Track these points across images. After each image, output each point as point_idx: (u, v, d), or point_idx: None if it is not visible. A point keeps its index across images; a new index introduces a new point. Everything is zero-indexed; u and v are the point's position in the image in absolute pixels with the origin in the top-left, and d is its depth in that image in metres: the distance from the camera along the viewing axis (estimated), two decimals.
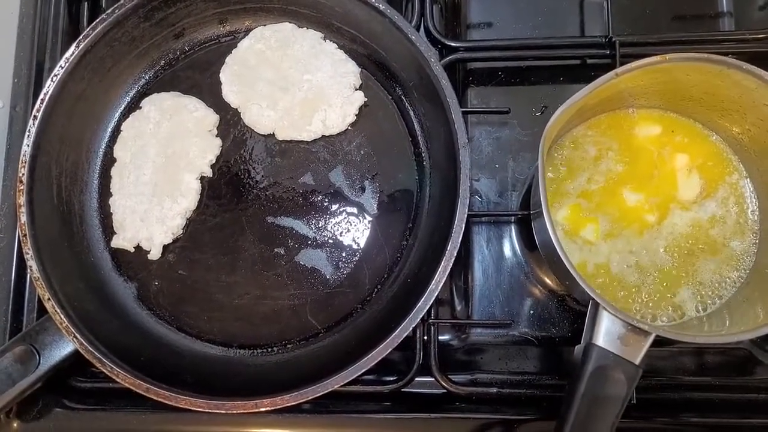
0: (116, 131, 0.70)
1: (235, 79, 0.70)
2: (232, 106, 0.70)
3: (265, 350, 0.65)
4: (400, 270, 0.66)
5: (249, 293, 0.66)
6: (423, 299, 0.57)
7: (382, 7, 0.64)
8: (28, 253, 0.60)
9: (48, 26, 0.73)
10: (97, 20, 0.65)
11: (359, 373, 0.56)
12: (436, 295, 0.58)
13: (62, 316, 0.59)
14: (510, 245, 0.70)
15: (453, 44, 0.70)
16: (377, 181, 0.69)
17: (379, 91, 0.71)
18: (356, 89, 0.69)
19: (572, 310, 0.68)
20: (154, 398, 0.57)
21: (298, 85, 0.69)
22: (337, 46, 0.70)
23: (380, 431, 0.64)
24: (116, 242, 0.67)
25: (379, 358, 0.57)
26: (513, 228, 0.71)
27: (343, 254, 0.67)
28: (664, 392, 0.65)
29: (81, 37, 0.64)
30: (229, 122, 0.70)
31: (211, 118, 0.69)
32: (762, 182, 0.62)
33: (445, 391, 0.63)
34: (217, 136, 0.70)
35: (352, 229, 0.68)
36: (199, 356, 0.65)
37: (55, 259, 0.62)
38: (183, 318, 0.66)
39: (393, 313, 0.61)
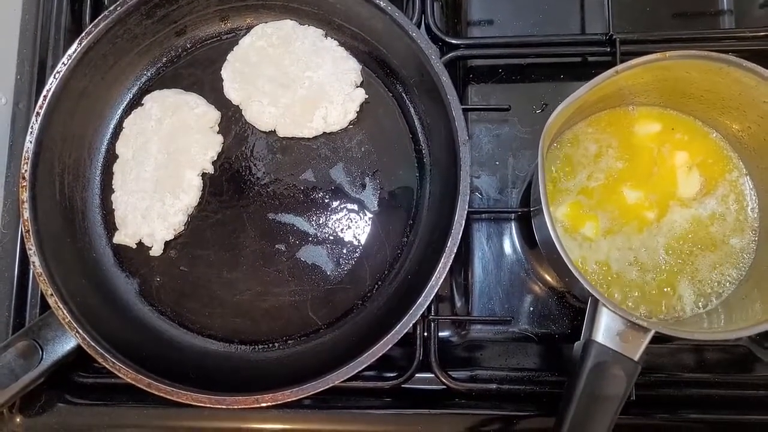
0: (118, 128, 0.70)
1: (236, 76, 0.70)
2: (233, 103, 0.70)
3: (266, 346, 0.66)
4: (400, 266, 0.67)
5: (250, 289, 0.67)
6: (423, 296, 0.58)
7: (383, 4, 0.64)
8: (30, 249, 0.60)
9: (50, 23, 0.73)
10: (100, 17, 0.65)
11: (360, 369, 0.57)
12: (436, 291, 0.58)
13: (65, 312, 0.59)
14: (510, 242, 0.71)
15: (453, 41, 0.70)
16: (378, 178, 0.69)
17: (379, 88, 0.71)
18: (357, 86, 0.69)
19: (572, 306, 0.68)
20: (156, 393, 0.57)
21: (300, 82, 0.69)
22: (338, 43, 0.70)
23: (380, 427, 0.64)
24: (118, 238, 0.68)
25: (380, 354, 0.57)
26: (513, 225, 0.71)
27: (344, 251, 0.67)
28: (663, 389, 0.65)
29: (83, 34, 0.65)
30: (231, 119, 0.71)
31: (213, 114, 0.70)
32: (762, 179, 0.62)
33: (445, 387, 0.64)
34: (218, 132, 0.70)
35: (353, 226, 0.68)
36: (201, 352, 0.65)
37: (57, 254, 0.63)
38: (184, 314, 0.67)
39: (393, 310, 0.61)
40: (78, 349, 0.60)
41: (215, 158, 0.69)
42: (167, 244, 0.67)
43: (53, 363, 0.60)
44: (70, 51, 0.64)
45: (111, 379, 0.65)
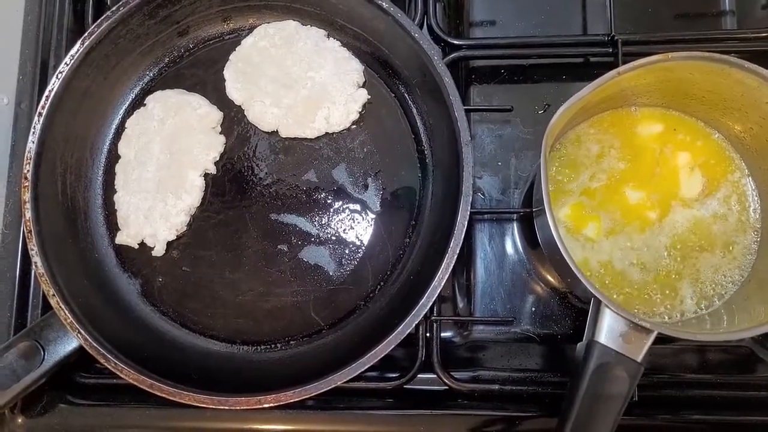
0: (121, 128, 0.70)
1: (239, 76, 0.70)
2: (235, 103, 0.70)
3: (268, 347, 0.66)
4: (402, 267, 0.67)
5: (252, 290, 0.67)
6: (425, 296, 0.58)
7: (385, 5, 0.64)
8: (32, 249, 0.60)
9: (53, 24, 0.73)
10: (102, 18, 0.65)
11: (362, 370, 0.57)
12: (438, 292, 0.58)
13: (67, 312, 0.59)
14: (512, 242, 0.71)
15: (456, 42, 0.70)
16: (380, 178, 0.69)
17: (382, 88, 0.71)
18: (359, 87, 0.69)
19: (574, 307, 0.68)
20: (158, 394, 0.57)
21: (302, 83, 0.69)
22: (340, 43, 0.70)
23: (383, 427, 0.64)
24: (120, 239, 0.67)
25: (382, 355, 0.57)
26: (515, 225, 0.71)
27: (346, 251, 0.67)
28: (665, 389, 0.65)
29: (86, 34, 0.65)
30: (233, 119, 0.71)
31: (215, 115, 0.70)
32: (764, 181, 0.62)
33: (447, 387, 0.64)
34: (220, 133, 0.70)
35: (355, 226, 0.68)
36: (203, 352, 0.65)
37: (59, 255, 0.62)
38: (187, 314, 0.66)
39: (396, 310, 0.61)
40: (80, 349, 0.60)
41: (217, 159, 0.69)
42: (169, 244, 0.67)
43: (55, 364, 0.60)
44: (72, 51, 0.64)
45: (113, 380, 0.65)
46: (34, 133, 0.62)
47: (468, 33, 0.75)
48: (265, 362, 0.65)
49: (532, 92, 0.72)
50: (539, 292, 0.69)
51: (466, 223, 0.59)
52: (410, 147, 0.69)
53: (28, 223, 0.61)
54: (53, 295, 0.59)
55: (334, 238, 0.68)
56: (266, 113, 0.69)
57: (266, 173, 0.69)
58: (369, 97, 0.69)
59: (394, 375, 0.64)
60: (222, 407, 0.57)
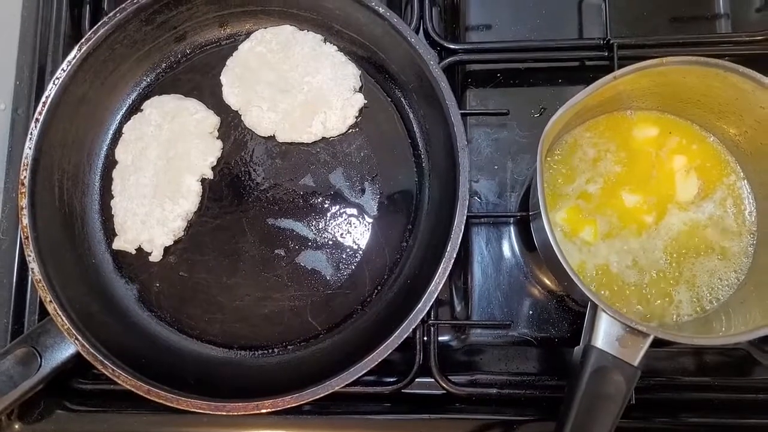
0: (118, 134, 0.70)
1: (235, 81, 0.70)
2: (232, 108, 0.70)
3: (265, 351, 0.66)
4: (400, 271, 0.67)
5: (250, 294, 0.67)
6: (423, 300, 0.58)
7: (381, 10, 0.64)
8: (29, 256, 0.60)
9: (50, 29, 0.73)
10: (99, 23, 0.65)
11: (360, 375, 0.57)
12: (435, 296, 0.58)
13: (63, 318, 0.59)
14: (509, 246, 0.71)
15: (452, 46, 0.70)
16: (377, 182, 0.69)
17: (378, 93, 0.71)
18: (356, 91, 0.70)
19: (571, 310, 0.68)
20: (156, 400, 0.57)
21: (299, 88, 0.69)
22: (337, 48, 0.70)
23: None
24: (117, 244, 0.67)
25: (380, 360, 0.57)
26: (512, 229, 0.71)
27: (344, 256, 0.67)
28: (663, 392, 0.65)
29: (83, 40, 0.65)
30: (230, 124, 0.71)
31: (212, 120, 0.70)
32: (759, 184, 0.63)
33: (445, 392, 0.64)
34: (217, 138, 0.70)
35: (352, 231, 0.68)
36: (200, 357, 0.65)
37: (56, 261, 0.62)
38: (184, 319, 0.66)
39: (393, 315, 0.61)
40: (77, 355, 0.60)
41: (215, 164, 0.69)
42: (167, 249, 0.67)
43: (52, 370, 0.60)
44: (69, 57, 0.64)
45: (110, 386, 0.64)
46: (30, 138, 0.63)
47: (464, 37, 0.75)
48: (263, 367, 0.65)
49: (529, 96, 0.73)
50: (536, 296, 0.69)
51: (463, 227, 0.59)
52: (407, 151, 0.69)
53: (25, 229, 0.61)
54: (50, 301, 0.59)
55: (331, 242, 0.68)
56: (263, 118, 0.69)
57: (263, 178, 0.69)
58: (366, 101, 0.70)
59: (391, 379, 0.64)
60: (219, 413, 0.57)
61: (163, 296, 0.67)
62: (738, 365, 0.66)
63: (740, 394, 0.65)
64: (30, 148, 0.62)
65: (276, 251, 0.67)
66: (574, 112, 0.58)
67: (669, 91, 0.61)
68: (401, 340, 0.57)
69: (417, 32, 0.70)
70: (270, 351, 0.66)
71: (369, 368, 0.57)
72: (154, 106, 0.70)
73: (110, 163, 0.70)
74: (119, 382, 0.58)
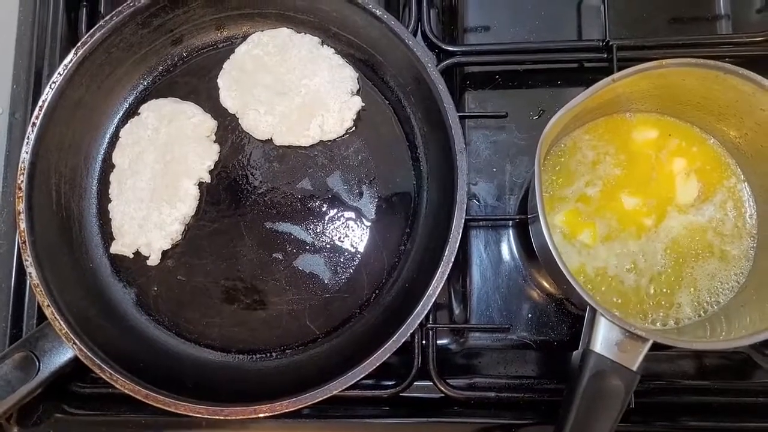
0: (115, 137, 0.70)
1: (232, 84, 0.70)
2: (230, 111, 0.70)
3: (263, 355, 0.65)
4: (398, 275, 0.66)
5: (248, 298, 0.67)
6: (421, 304, 0.58)
7: (379, 12, 0.64)
8: (27, 260, 0.60)
9: (46, 33, 0.73)
10: (96, 27, 0.65)
11: (358, 378, 0.56)
12: (434, 300, 0.58)
13: (61, 323, 0.59)
14: (508, 249, 0.70)
15: (450, 48, 0.70)
16: (375, 186, 0.69)
17: (376, 95, 0.71)
18: (354, 94, 0.69)
19: (570, 314, 0.68)
20: (154, 404, 0.57)
21: (296, 90, 0.69)
22: (334, 51, 0.70)
23: None
24: (115, 248, 0.67)
25: (378, 363, 0.57)
26: (511, 232, 0.71)
27: (342, 259, 0.67)
28: (662, 396, 0.65)
29: (79, 44, 0.65)
30: (227, 128, 0.71)
31: (209, 123, 0.69)
32: (759, 186, 0.62)
33: (443, 395, 0.63)
34: (215, 141, 0.70)
35: (350, 234, 0.68)
36: (198, 362, 0.65)
37: (54, 265, 0.62)
38: (182, 323, 0.66)
39: (391, 318, 0.61)
40: (75, 359, 0.60)
41: (212, 167, 0.69)
42: (164, 253, 0.67)
43: (50, 374, 0.60)
44: (66, 61, 0.64)
45: (108, 390, 0.64)
46: (27, 143, 0.62)
47: (462, 39, 0.75)
48: (261, 371, 0.65)
49: (527, 98, 0.72)
50: (535, 299, 0.69)
51: (461, 230, 0.59)
52: (405, 154, 0.69)
53: (23, 234, 0.61)
54: (48, 305, 0.59)
55: (329, 246, 0.67)
56: (260, 121, 0.69)
57: (261, 181, 0.69)
58: (363, 104, 0.69)
59: (390, 383, 0.64)
60: (217, 417, 0.57)
61: (161, 300, 0.67)
62: (738, 368, 0.66)
63: (740, 398, 0.64)
64: (27, 152, 0.62)
65: (274, 255, 0.67)
66: (573, 114, 0.57)
67: (668, 94, 0.61)
68: (399, 344, 0.57)
69: (415, 34, 0.69)
70: (268, 355, 0.65)
71: (367, 372, 0.57)
72: (151, 109, 0.69)
73: (107, 166, 0.70)
74: (117, 386, 0.58)
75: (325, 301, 0.66)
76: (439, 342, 0.66)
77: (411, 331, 0.58)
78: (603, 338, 0.52)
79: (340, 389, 0.56)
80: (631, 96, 0.62)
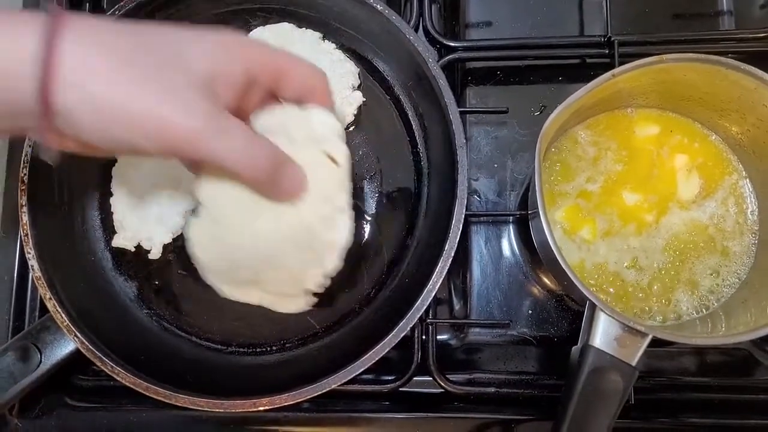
0: None
1: None
2: None
3: (264, 350, 0.66)
4: (398, 270, 0.66)
5: None
6: (421, 299, 0.58)
7: (380, 7, 0.64)
8: (29, 253, 0.60)
9: None
10: None
11: (358, 373, 0.56)
12: (434, 295, 0.58)
13: (63, 315, 0.59)
14: (508, 244, 0.70)
15: (452, 44, 0.70)
16: (375, 181, 0.69)
17: (377, 91, 0.71)
18: (355, 89, 0.69)
19: (570, 309, 0.68)
20: (154, 397, 0.57)
21: None
22: (335, 46, 0.70)
23: (378, 430, 0.64)
24: (117, 242, 0.68)
25: (377, 358, 0.57)
26: (511, 227, 0.71)
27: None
28: (662, 392, 0.64)
29: None
30: None
31: None
32: (761, 183, 0.62)
33: (443, 390, 0.63)
34: None
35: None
36: (199, 355, 0.65)
37: (56, 258, 0.63)
38: (182, 317, 0.67)
39: (391, 313, 0.61)
40: (77, 352, 0.60)
41: None
42: (166, 247, 0.67)
43: (52, 366, 0.60)
44: None
45: (110, 382, 0.64)
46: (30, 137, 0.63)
47: (464, 34, 0.75)
48: (261, 365, 0.65)
49: (528, 93, 0.72)
50: (536, 295, 0.69)
51: (462, 226, 0.59)
52: (405, 149, 0.69)
53: (25, 227, 0.61)
54: (50, 298, 0.60)
55: None
56: None
57: None
58: (364, 99, 0.69)
59: (389, 378, 0.64)
60: (217, 409, 0.57)
61: (162, 294, 0.67)
62: (739, 365, 0.66)
63: (741, 395, 0.64)
64: (30, 146, 0.62)
65: None
66: (573, 110, 0.57)
67: (670, 89, 0.61)
68: (399, 339, 0.57)
69: (416, 30, 0.69)
70: (268, 349, 0.66)
71: (367, 366, 0.57)
72: None
73: (109, 160, 0.70)
74: (118, 379, 0.58)
75: (325, 296, 0.66)
76: (439, 337, 0.67)
77: (411, 326, 0.58)
78: (602, 333, 0.52)
79: (340, 383, 0.56)
80: (633, 91, 0.62)
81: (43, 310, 0.65)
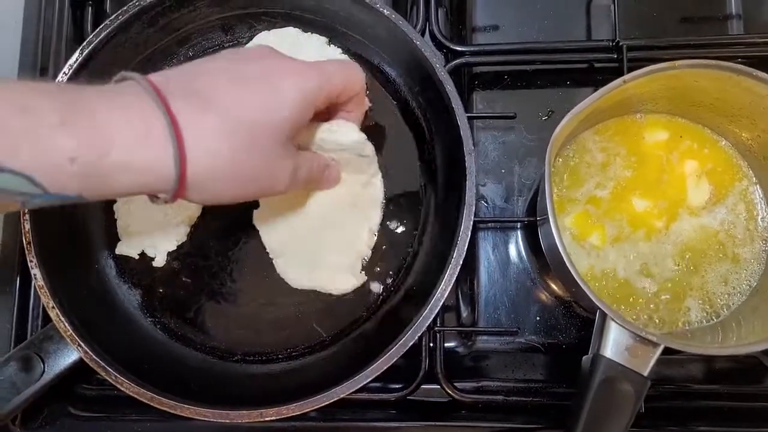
0: None
1: None
2: None
3: (270, 358, 0.65)
4: (405, 277, 0.66)
5: (254, 300, 0.66)
6: (429, 307, 0.57)
7: (386, 12, 0.63)
8: (32, 261, 0.60)
9: (52, 32, 0.72)
10: (101, 26, 0.64)
11: (366, 382, 0.56)
12: (441, 303, 0.57)
13: (66, 324, 0.58)
14: (516, 251, 0.70)
15: (458, 48, 0.69)
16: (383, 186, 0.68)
17: (384, 95, 0.70)
18: None
19: (579, 317, 0.67)
20: (158, 407, 0.57)
21: None
22: (342, 50, 0.70)
23: None
24: (120, 249, 0.67)
25: (386, 367, 0.56)
26: (519, 233, 0.70)
27: None
28: (672, 400, 0.64)
29: (85, 43, 0.64)
30: None
31: None
32: None
33: (450, 398, 0.63)
34: None
35: None
36: (204, 364, 0.65)
37: (59, 266, 0.62)
38: (187, 325, 0.66)
39: (399, 321, 0.60)
40: (80, 361, 0.59)
41: None
42: (170, 254, 0.67)
43: (55, 376, 0.59)
44: (71, 60, 0.63)
45: (114, 392, 0.63)
46: None
47: (471, 39, 0.74)
48: (267, 374, 0.64)
49: (536, 98, 0.72)
50: (544, 302, 0.68)
51: (470, 232, 0.58)
52: (412, 155, 0.68)
53: (27, 235, 0.60)
54: (53, 307, 0.59)
55: None
56: None
57: None
58: (371, 104, 0.68)
59: (397, 386, 0.64)
60: (223, 420, 0.56)
61: (166, 302, 0.67)
62: (749, 373, 0.65)
63: (752, 402, 0.64)
64: None
65: None
66: (583, 116, 0.57)
67: (680, 95, 0.60)
68: (407, 347, 0.57)
69: (423, 34, 0.69)
70: (274, 358, 0.65)
71: (375, 375, 0.56)
72: None
73: None
74: (122, 388, 0.57)
75: (332, 304, 0.66)
76: (446, 345, 0.66)
77: (419, 334, 0.57)
78: (613, 343, 0.51)
79: (348, 393, 0.56)
80: (642, 97, 0.61)
81: (46, 319, 0.64)
